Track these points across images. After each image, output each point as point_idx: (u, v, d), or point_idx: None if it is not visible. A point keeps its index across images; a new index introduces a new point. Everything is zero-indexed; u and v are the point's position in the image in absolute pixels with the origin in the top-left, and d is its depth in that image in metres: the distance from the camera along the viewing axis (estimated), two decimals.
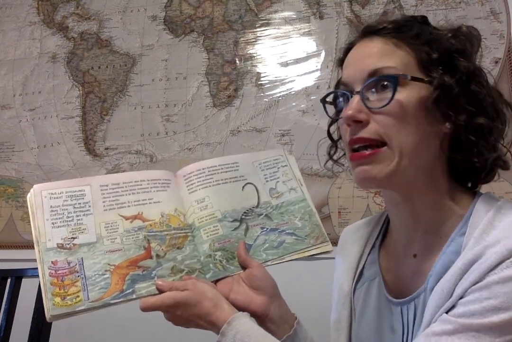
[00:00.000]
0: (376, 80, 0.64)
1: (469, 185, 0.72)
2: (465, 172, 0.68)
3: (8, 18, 1.97)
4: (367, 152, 0.64)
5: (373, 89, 0.65)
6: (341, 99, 0.70)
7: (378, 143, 0.64)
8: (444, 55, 0.65)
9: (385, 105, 0.63)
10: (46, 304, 0.65)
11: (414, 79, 0.63)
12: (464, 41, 0.67)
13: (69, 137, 1.82)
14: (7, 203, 1.84)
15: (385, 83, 0.64)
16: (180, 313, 0.67)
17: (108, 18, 1.86)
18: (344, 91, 0.68)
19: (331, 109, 0.73)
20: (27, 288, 1.29)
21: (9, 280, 1.32)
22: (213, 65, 1.73)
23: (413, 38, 0.66)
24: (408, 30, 0.67)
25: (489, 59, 1.52)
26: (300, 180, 0.84)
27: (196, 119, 1.72)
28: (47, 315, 0.64)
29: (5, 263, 1.67)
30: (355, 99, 0.65)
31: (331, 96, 0.73)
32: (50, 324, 1.23)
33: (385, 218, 0.79)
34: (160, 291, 0.68)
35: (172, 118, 1.74)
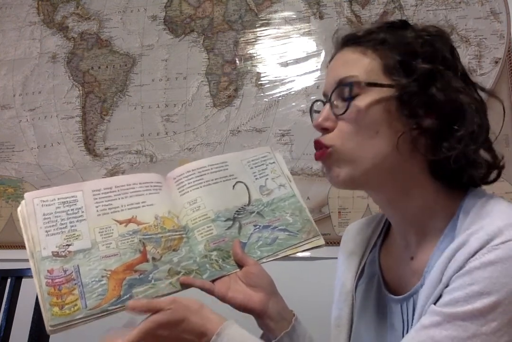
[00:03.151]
0: (338, 89, 0.67)
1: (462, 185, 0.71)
2: (450, 173, 0.67)
3: (8, 18, 1.97)
4: (318, 153, 0.68)
5: (340, 98, 0.68)
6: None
7: (327, 146, 0.68)
8: (405, 58, 0.65)
9: (344, 112, 0.66)
10: (45, 315, 0.64)
11: (370, 85, 0.65)
12: (428, 42, 0.66)
13: (69, 137, 1.82)
14: (7, 203, 1.84)
15: (346, 91, 0.66)
16: (168, 333, 0.65)
17: (108, 18, 1.86)
18: (322, 100, 0.73)
19: None
20: (27, 288, 1.29)
21: (9, 280, 1.32)
22: (213, 65, 1.73)
23: (380, 44, 0.67)
24: (375, 37, 0.68)
25: (489, 59, 1.52)
26: (288, 176, 0.84)
27: (196, 119, 1.72)
28: (47, 326, 0.64)
29: (5, 263, 1.67)
30: (326, 107, 0.69)
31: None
32: None
33: (387, 217, 0.80)
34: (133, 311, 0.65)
35: (172, 118, 1.74)
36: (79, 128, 1.82)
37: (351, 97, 0.66)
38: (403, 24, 0.70)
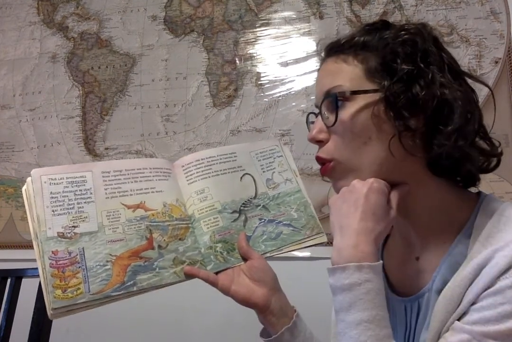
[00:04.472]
0: (326, 101, 0.67)
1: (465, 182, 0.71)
2: (448, 169, 0.66)
3: (8, 18, 1.97)
4: (322, 168, 0.68)
5: (329, 109, 0.67)
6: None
7: (328, 161, 0.67)
8: (386, 60, 0.64)
9: (333, 124, 0.66)
10: (47, 297, 0.62)
11: (354, 92, 0.65)
12: (407, 41, 0.65)
13: (69, 137, 1.82)
14: (7, 203, 1.84)
15: (332, 102, 0.66)
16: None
17: (108, 18, 1.86)
18: (314, 113, 0.72)
19: None
20: (27, 288, 1.29)
21: (9, 280, 1.32)
22: (213, 65, 1.73)
23: (361, 49, 0.67)
24: (355, 42, 0.67)
25: (489, 59, 1.52)
26: (295, 171, 0.84)
27: (196, 119, 1.72)
28: (49, 309, 0.62)
29: (5, 263, 1.67)
30: (318, 119, 0.69)
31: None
32: (50, 324, 1.23)
33: None
34: None
35: (172, 118, 1.74)
36: (79, 128, 1.82)
37: (338, 108, 0.65)
38: (383, 25, 0.69)
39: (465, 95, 0.64)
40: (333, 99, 0.66)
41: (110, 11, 1.86)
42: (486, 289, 0.56)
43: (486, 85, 0.70)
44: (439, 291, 0.62)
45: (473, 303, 0.57)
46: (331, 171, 0.67)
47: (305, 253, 1.45)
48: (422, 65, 0.63)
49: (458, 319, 0.58)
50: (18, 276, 1.32)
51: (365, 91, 0.64)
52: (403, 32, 0.66)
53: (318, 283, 1.28)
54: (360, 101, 0.65)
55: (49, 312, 0.62)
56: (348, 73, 0.66)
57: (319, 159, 0.68)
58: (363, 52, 0.66)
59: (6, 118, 1.90)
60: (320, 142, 0.68)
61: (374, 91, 0.64)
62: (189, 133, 1.72)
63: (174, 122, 1.74)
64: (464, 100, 0.63)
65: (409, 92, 0.63)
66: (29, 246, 1.77)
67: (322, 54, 0.73)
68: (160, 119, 1.75)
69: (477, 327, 0.55)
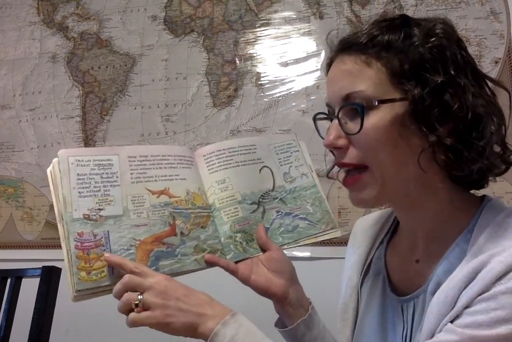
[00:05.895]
0: (347, 107, 0.64)
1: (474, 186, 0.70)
2: (464, 178, 0.65)
3: (8, 18, 1.97)
4: (350, 179, 0.66)
5: (349, 114, 0.65)
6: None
7: (360, 167, 0.65)
8: (414, 66, 0.61)
9: (357, 132, 0.62)
10: (71, 279, 0.62)
11: (382, 102, 0.62)
12: (437, 47, 0.62)
13: (69, 137, 1.82)
14: (7, 203, 1.84)
15: (356, 110, 0.63)
16: (172, 303, 0.62)
17: (108, 18, 1.86)
18: (326, 114, 0.70)
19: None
20: (27, 288, 1.29)
21: (9, 280, 1.32)
22: (213, 65, 1.73)
23: (384, 49, 0.63)
24: (378, 42, 0.63)
25: (489, 59, 1.52)
26: (310, 166, 0.86)
27: (196, 119, 1.72)
28: (72, 292, 0.62)
29: (5, 263, 1.67)
30: (334, 124, 0.65)
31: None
32: (50, 324, 1.23)
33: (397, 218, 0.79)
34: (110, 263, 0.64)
35: (172, 118, 1.74)
36: (79, 128, 1.82)
37: (363, 115, 0.62)
38: (405, 21, 0.65)
39: (495, 105, 0.63)
40: (359, 108, 0.62)
41: (110, 11, 1.86)
42: (480, 294, 0.56)
43: (506, 90, 0.68)
44: (433, 293, 0.62)
45: (467, 307, 0.57)
46: (358, 182, 0.65)
47: (305, 253, 1.44)
48: (452, 72, 0.61)
49: (451, 322, 0.58)
50: (18, 276, 1.32)
51: (392, 100, 0.62)
52: (432, 39, 0.62)
53: (318, 283, 1.28)
54: (386, 109, 0.62)
55: (72, 294, 0.62)
56: (371, 77, 0.63)
57: (346, 165, 0.65)
58: (387, 55, 0.62)
59: (6, 118, 1.90)
60: (338, 149, 0.65)
61: (401, 99, 0.61)
62: (189, 133, 1.72)
63: (174, 122, 1.74)
64: (495, 112, 0.62)
65: (439, 102, 0.61)
66: (29, 246, 1.77)
67: (333, 48, 0.69)
68: (160, 119, 1.75)
69: (469, 331, 0.55)
